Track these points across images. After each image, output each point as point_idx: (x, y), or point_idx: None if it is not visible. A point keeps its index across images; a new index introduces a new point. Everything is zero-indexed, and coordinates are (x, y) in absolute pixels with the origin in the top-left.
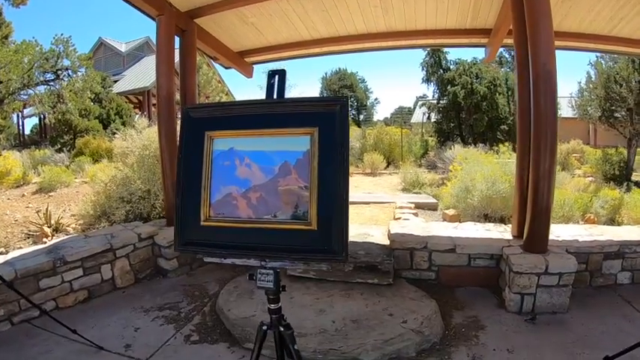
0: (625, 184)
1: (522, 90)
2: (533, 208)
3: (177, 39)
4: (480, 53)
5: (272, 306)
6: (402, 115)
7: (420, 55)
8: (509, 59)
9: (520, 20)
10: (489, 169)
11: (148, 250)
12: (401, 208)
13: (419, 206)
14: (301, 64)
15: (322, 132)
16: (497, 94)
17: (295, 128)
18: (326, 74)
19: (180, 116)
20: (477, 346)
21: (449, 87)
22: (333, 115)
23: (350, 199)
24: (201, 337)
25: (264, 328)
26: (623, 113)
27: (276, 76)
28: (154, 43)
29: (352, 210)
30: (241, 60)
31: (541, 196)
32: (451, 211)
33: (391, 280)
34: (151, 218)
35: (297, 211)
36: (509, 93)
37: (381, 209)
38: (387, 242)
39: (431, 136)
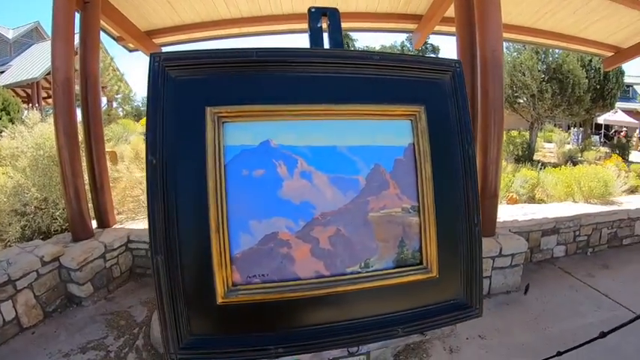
0: (531, 163)
1: (465, 76)
2: (482, 193)
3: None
4: (388, 40)
5: None
6: None
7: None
8: (410, 49)
9: (465, 7)
10: None
11: (55, 276)
12: None
13: None
14: (202, 47)
15: (432, 113)
16: None
17: (387, 105)
18: None
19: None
20: (449, 337)
21: None
22: (443, 86)
23: None
24: None
25: None
26: (526, 99)
27: (327, 16)
28: (45, 30)
29: None
30: (149, 41)
31: (490, 181)
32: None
33: None
34: (52, 233)
35: (403, 252)
36: None
37: None
38: None
39: None
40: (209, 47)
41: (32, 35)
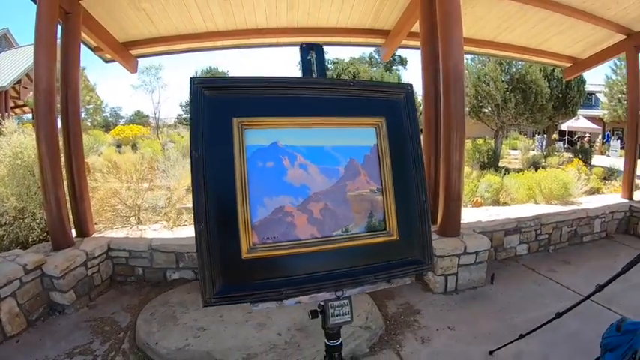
0: (496, 169)
1: (429, 87)
2: (446, 197)
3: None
4: (358, 52)
5: (333, 342)
6: None
7: (297, 53)
8: (378, 60)
9: (429, 24)
10: None
11: (37, 284)
12: None
13: None
14: (168, 61)
15: (390, 122)
16: None
17: (359, 117)
18: (196, 73)
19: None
20: (420, 329)
21: None
22: (398, 104)
23: None
24: None
25: None
26: (491, 108)
27: (314, 51)
28: (13, 37)
29: None
30: (126, 52)
31: (454, 186)
32: None
33: None
34: (30, 243)
35: (372, 221)
36: None
37: None
38: None
39: None
40: (186, 57)
41: (1, 42)
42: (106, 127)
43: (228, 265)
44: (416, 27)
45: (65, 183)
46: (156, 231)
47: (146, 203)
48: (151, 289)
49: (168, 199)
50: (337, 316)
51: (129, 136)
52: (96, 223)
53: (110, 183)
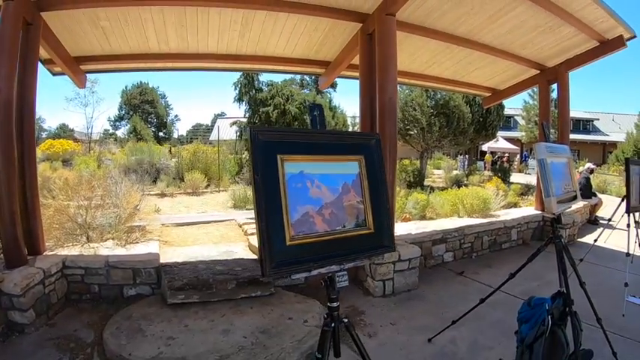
0: (422, 188)
1: (366, 113)
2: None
3: None
4: (289, 75)
5: (334, 304)
6: (200, 133)
7: (234, 75)
8: (309, 82)
9: (367, 59)
10: None
11: None
12: (244, 224)
13: None
14: (102, 76)
15: (367, 159)
16: (307, 115)
17: (348, 155)
18: (126, 87)
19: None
20: (366, 326)
21: (261, 107)
22: (371, 147)
23: (190, 220)
24: None
25: (332, 325)
26: (417, 131)
27: (316, 110)
28: None
29: (199, 230)
30: (77, 66)
31: (388, 202)
32: None
33: (272, 289)
34: None
35: (358, 220)
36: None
37: (225, 227)
38: (253, 256)
39: (243, 153)
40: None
41: None
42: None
43: (278, 249)
44: (355, 59)
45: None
46: (108, 248)
47: (96, 221)
48: (109, 306)
49: (118, 217)
50: (340, 282)
51: (59, 150)
52: (45, 241)
53: (57, 200)
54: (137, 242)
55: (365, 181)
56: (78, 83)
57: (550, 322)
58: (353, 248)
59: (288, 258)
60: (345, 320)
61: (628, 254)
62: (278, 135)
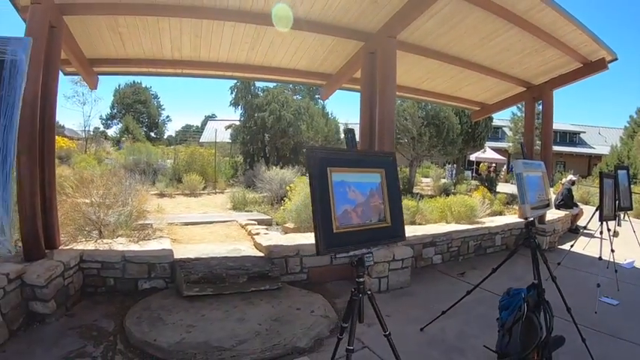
0: (411, 195)
1: (365, 123)
2: None
3: None
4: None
5: (361, 279)
6: (191, 134)
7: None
8: (302, 88)
9: (369, 75)
10: None
11: (18, 294)
12: (247, 225)
13: (258, 222)
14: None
15: (386, 171)
16: (301, 121)
17: (374, 168)
18: (119, 86)
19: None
20: (365, 318)
21: (257, 112)
22: (389, 162)
23: (194, 219)
24: None
25: (360, 295)
26: (407, 140)
27: (350, 134)
28: None
29: (204, 229)
30: (90, 69)
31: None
32: (291, 225)
33: (280, 284)
34: None
35: (380, 216)
36: (310, 120)
37: (227, 227)
38: (259, 253)
39: (238, 156)
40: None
41: None
42: None
43: (328, 235)
44: (356, 73)
45: None
46: (122, 244)
47: (108, 218)
48: (125, 298)
49: (130, 214)
50: (369, 261)
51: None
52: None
53: (71, 197)
54: (149, 239)
55: (385, 187)
56: (90, 84)
57: (526, 309)
58: (377, 237)
59: (334, 242)
60: (369, 292)
61: (600, 258)
62: (327, 153)
